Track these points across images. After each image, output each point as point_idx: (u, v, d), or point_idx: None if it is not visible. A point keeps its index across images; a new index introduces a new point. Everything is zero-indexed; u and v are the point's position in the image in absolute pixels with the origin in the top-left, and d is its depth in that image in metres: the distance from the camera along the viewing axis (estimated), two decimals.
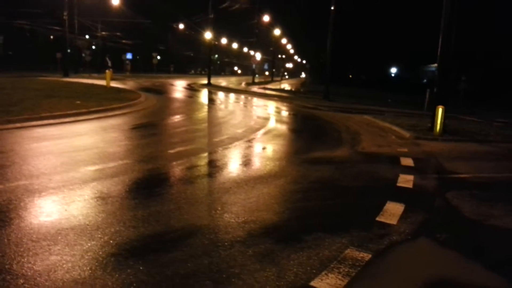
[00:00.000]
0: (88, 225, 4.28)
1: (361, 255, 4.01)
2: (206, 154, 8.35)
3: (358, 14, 50.14)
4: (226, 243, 4.05)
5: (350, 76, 65.40)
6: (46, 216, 4.50)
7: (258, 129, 12.66)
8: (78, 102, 14.54)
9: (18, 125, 9.99)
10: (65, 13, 37.79)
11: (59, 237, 3.93)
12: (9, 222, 4.24)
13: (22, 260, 3.44)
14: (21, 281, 3.14)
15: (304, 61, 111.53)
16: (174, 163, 7.35)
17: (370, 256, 4.01)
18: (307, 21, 57.00)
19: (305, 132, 13.95)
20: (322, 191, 6.26)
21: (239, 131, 12.00)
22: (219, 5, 45.63)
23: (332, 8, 29.24)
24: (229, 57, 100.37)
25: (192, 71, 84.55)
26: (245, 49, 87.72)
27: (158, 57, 57.37)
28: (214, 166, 7.47)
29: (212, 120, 14.74)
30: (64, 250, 3.68)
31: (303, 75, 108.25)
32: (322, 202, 5.71)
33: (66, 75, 36.04)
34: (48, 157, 7.17)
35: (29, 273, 3.24)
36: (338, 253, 4.01)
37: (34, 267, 3.35)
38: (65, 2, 37.02)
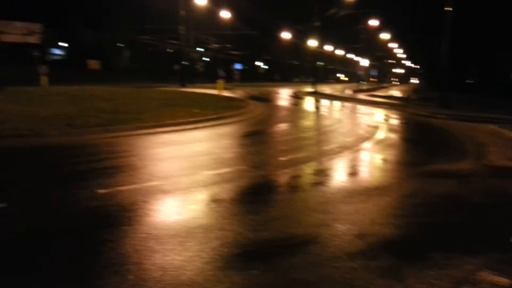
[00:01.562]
0: (213, 225, 4.59)
1: (497, 279, 3.65)
2: (316, 163, 8.35)
3: (478, 14, 45.74)
4: (345, 255, 4.00)
5: (469, 81, 59.82)
6: (177, 214, 4.94)
7: (368, 138, 12.30)
8: (195, 110, 15.67)
9: (146, 131, 11.11)
10: (181, 28, 41.08)
11: (190, 235, 4.27)
12: (145, 218, 4.73)
13: (159, 254, 3.81)
14: (160, 272, 3.48)
15: (415, 66, 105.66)
16: (285, 170, 7.49)
17: (508, 281, 3.62)
18: (420, 23, 53.61)
19: (420, 142, 13.15)
20: (446, 207, 5.83)
21: (348, 139, 11.78)
22: (324, 12, 45.47)
23: (448, 9, 27.21)
24: (334, 64, 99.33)
25: (297, 79, 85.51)
26: (350, 55, 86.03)
27: (264, 66, 59.19)
28: (325, 175, 7.44)
29: (319, 128, 14.72)
30: (195, 247, 3.99)
31: (413, 80, 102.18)
32: (447, 219, 5.32)
33: (183, 86, 39.06)
34: (173, 160, 7.85)
35: (166, 266, 3.58)
36: (471, 275, 3.70)
37: (171, 260, 3.68)
38: (182, 18, 40.27)
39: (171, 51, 57.58)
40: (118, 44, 55.32)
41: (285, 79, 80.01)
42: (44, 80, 27.45)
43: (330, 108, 25.47)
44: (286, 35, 58.20)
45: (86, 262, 3.63)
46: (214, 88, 30.91)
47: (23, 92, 18.92)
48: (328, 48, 71.98)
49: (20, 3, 39.14)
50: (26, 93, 18.61)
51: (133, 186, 5.83)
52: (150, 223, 4.59)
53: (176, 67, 49.80)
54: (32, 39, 38.66)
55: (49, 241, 3.99)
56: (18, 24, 36.45)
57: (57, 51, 50.21)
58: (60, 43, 50.75)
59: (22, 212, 4.67)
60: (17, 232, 4.14)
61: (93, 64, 46.89)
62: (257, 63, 75.42)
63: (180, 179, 6.40)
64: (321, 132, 13.75)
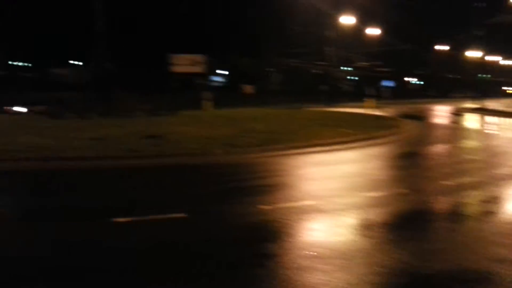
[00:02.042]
0: (374, 250, 4.43)
1: None
2: (485, 188, 7.42)
3: None
4: None
5: None
6: (337, 235, 4.93)
7: None
8: (345, 130, 15.56)
9: (298, 151, 11.45)
10: (327, 48, 41.56)
11: (351, 258, 4.20)
12: (304, 236, 4.84)
13: (320, 273, 3.82)
14: None
15: None
16: (449, 195, 6.83)
17: None
18: None
19: None
20: None
21: None
22: (486, 19, 40.68)
23: None
24: (498, 75, 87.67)
25: (455, 95, 77.99)
26: None
27: (416, 82, 55.66)
28: (498, 203, 6.55)
29: (487, 149, 13.08)
30: (358, 270, 3.90)
31: None
32: None
33: (330, 105, 39.31)
34: (327, 180, 7.91)
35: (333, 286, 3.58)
36: None
37: (336, 281, 3.66)
38: (328, 38, 40.73)
39: (318, 72, 58.60)
40: (269, 69, 58.85)
41: (442, 95, 73.75)
42: (206, 104, 30.81)
43: (499, 127, 22.45)
44: (442, 46, 53.86)
45: (249, 272, 3.85)
46: (362, 107, 30.24)
47: (190, 115, 21.51)
48: (493, 58, 63.94)
49: (187, 39, 45.02)
50: (193, 117, 21.13)
51: (290, 204, 6.05)
52: (310, 241, 4.68)
53: (322, 87, 50.45)
54: (197, 69, 43.80)
55: (221, 249, 4.38)
56: (186, 56, 41.88)
57: (216, 78, 55.95)
58: (218, 71, 56.46)
59: (197, 221, 5.26)
60: (196, 239, 4.66)
61: (247, 88, 50.74)
62: (408, 78, 71.21)
63: (335, 200, 6.39)
64: (490, 153, 12.19)
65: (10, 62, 58.25)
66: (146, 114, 23.05)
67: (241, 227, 5.11)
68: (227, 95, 42.84)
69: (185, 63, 37.31)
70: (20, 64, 61.22)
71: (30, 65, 61.88)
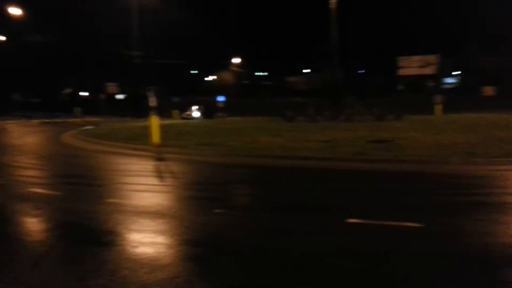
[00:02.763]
0: None
1: None
2: None
3: None
4: None
5: None
6: None
7: None
8: None
9: None
10: None
11: None
12: None
13: None
14: None
15: None
16: None
17: None
18: None
19: None
20: None
21: None
22: None
23: None
24: None
25: None
26: None
27: None
28: None
29: None
30: None
31: None
32: None
33: None
34: None
35: None
36: None
37: None
38: None
39: None
40: None
41: None
42: (438, 108, 28.42)
43: None
44: None
45: None
46: None
47: (419, 120, 20.22)
48: None
49: (420, 39, 42.44)
50: (422, 121, 19.79)
51: None
52: None
53: None
54: (428, 71, 40.81)
55: (459, 266, 3.89)
56: (416, 58, 39.50)
57: (450, 80, 50.97)
58: (453, 72, 51.25)
59: (433, 233, 4.84)
60: (431, 252, 4.29)
61: (488, 90, 44.37)
62: None
63: None
64: None
65: (256, 73, 67.59)
66: (373, 118, 22.98)
67: (482, 247, 4.42)
68: (462, 98, 38.47)
69: (414, 65, 35.33)
70: (260, 74, 70.34)
71: (266, 74, 70.45)
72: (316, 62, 55.76)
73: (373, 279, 3.64)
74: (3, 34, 42.14)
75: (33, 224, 5.46)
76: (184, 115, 38.50)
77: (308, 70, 64.68)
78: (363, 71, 56.57)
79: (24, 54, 48.24)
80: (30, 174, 9.55)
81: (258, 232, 4.96)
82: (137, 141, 14.69)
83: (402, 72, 35.12)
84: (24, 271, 3.81)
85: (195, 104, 42.97)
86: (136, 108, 38.79)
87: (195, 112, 38.97)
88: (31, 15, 34.74)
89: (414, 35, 43.18)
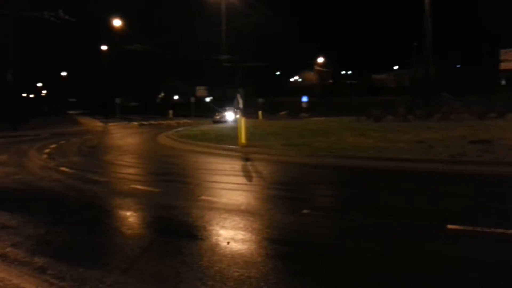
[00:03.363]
0: None
1: None
2: None
3: None
4: None
5: None
6: None
7: None
8: None
9: None
10: None
11: None
12: None
13: None
14: None
15: None
16: None
17: None
18: None
19: None
20: None
21: None
22: None
23: None
24: None
25: None
26: None
27: None
28: None
29: None
30: None
31: None
32: None
33: None
34: None
35: None
36: None
37: None
38: None
39: None
40: None
41: None
42: None
43: None
44: None
45: None
46: None
47: None
48: None
49: None
50: None
51: None
52: None
53: None
54: None
55: None
56: None
57: None
58: None
59: None
60: None
61: None
62: None
63: None
64: None
65: (341, 72, 66.16)
66: (472, 117, 21.20)
67: None
68: None
69: None
70: (345, 72, 68.63)
71: (350, 72, 68.52)
72: (406, 58, 52.99)
73: None
74: (106, 44, 46.52)
75: (135, 218, 5.93)
76: (214, 119, 37.12)
77: (397, 67, 61.70)
78: (459, 65, 52.46)
79: (124, 61, 52.79)
80: (131, 172, 10.40)
81: (348, 235, 4.84)
82: (225, 142, 15.24)
83: (504, 66, 31.86)
84: (130, 261, 4.16)
85: (282, 106, 43.21)
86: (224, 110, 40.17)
87: (228, 114, 36.58)
88: (130, 26, 37.87)
89: None
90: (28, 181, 9.07)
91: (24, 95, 67.07)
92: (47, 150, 15.23)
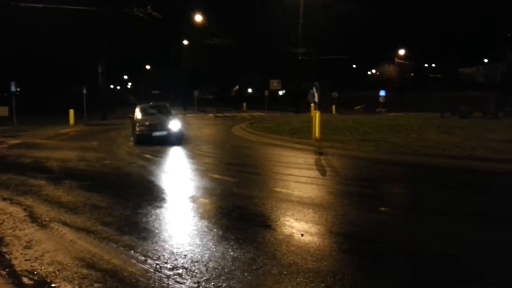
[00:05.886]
0: None
1: None
2: None
3: None
4: None
5: None
6: None
7: None
8: None
9: None
10: None
11: None
12: None
13: None
14: None
15: None
16: None
17: None
18: None
19: None
20: None
21: None
22: None
23: None
24: None
25: None
26: None
27: None
28: None
29: None
30: None
31: None
32: None
33: None
34: None
35: None
36: None
37: None
38: None
39: None
40: None
41: None
42: None
43: None
44: None
45: None
46: None
47: None
48: None
49: None
50: None
51: None
52: None
53: None
54: None
55: None
56: None
57: None
58: None
59: None
60: None
61: None
62: None
63: None
64: None
65: (424, 65, 62.41)
66: None
67: None
68: None
69: None
70: (426, 65, 64.48)
71: (434, 65, 64.22)
72: (498, 50, 48.58)
73: None
74: (187, 39, 48.53)
75: (213, 206, 6.15)
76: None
77: (486, 60, 56.86)
78: None
79: (204, 56, 54.70)
80: (208, 161, 10.78)
81: (428, 236, 4.61)
82: (299, 135, 15.18)
83: None
84: (213, 245, 4.35)
85: (358, 101, 41.82)
86: (294, 103, 40.02)
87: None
88: (211, 21, 39.05)
89: None
90: (116, 166, 9.81)
91: (111, 86, 72.34)
92: (132, 138, 16.33)
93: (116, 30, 38.49)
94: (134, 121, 15.11)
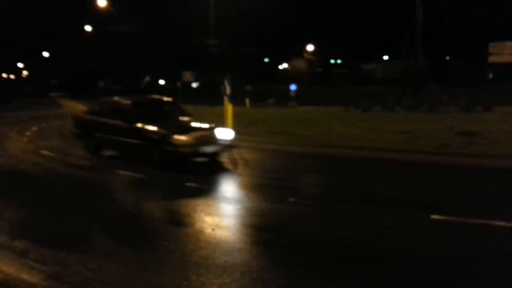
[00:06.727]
0: None
1: None
2: None
3: None
4: None
5: None
6: None
7: None
8: None
9: None
10: None
11: None
12: None
13: None
14: None
15: None
16: None
17: None
18: None
19: None
20: None
21: None
22: None
23: None
24: None
25: None
26: None
27: None
28: None
29: None
30: None
31: None
32: None
33: None
34: None
35: None
36: None
37: None
38: None
39: None
40: None
41: None
42: None
43: None
44: None
45: None
46: None
47: (511, 112, 18.42)
48: None
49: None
50: None
51: None
52: None
53: None
54: None
55: None
56: (510, 44, 35.87)
57: None
58: None
59: None
60: None
61: None
62: None
63: None
64: None
65: (330, 61, 65.80)
66: (459, 109, 21.38)
67: None
68: None
69: (508, 52, 32.06)
70: (334, 61, 68.33)
71: (339, 61, 68.27)
72: (396, 48, 52.95)
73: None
74: (90, 24, 45.22)
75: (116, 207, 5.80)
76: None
77: (386, 57, 61.74)
78: (448, 57, 52.73)
79: (108, 44, 51.67)
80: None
81: (333, 224, 4.83)
82: None
83: (493, 59, 32.06)
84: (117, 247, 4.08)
85: (270, 94, 42.91)
86: (209, 96, 39.88)
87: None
88: (115, 6, 36.94)
89: (509, 18, 39.08)
90: (9, 164, 8.85)
91: (4, 75, 65.46)
92: (28, 133, 14.90)
93: (8, 13, 34.66)
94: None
